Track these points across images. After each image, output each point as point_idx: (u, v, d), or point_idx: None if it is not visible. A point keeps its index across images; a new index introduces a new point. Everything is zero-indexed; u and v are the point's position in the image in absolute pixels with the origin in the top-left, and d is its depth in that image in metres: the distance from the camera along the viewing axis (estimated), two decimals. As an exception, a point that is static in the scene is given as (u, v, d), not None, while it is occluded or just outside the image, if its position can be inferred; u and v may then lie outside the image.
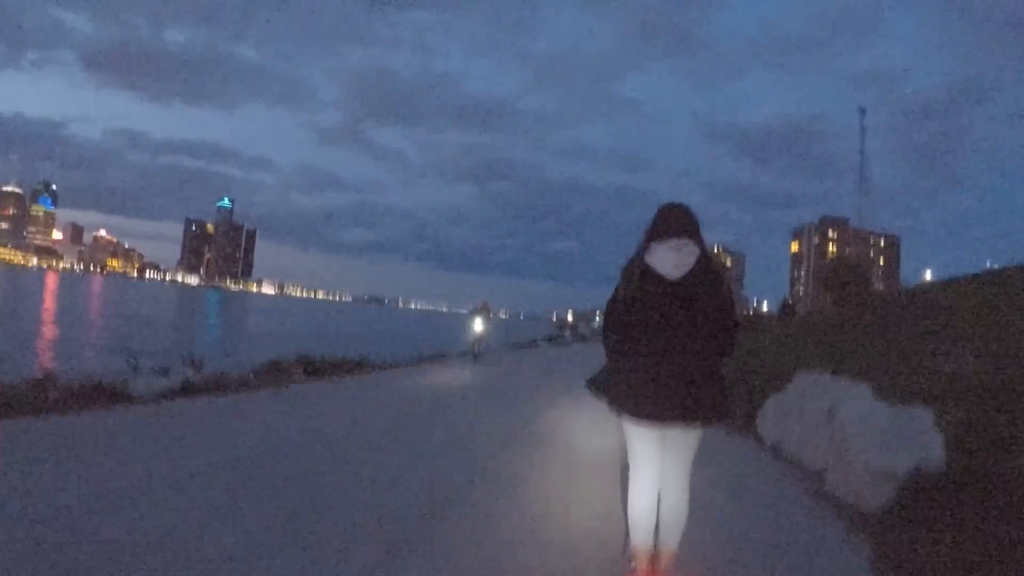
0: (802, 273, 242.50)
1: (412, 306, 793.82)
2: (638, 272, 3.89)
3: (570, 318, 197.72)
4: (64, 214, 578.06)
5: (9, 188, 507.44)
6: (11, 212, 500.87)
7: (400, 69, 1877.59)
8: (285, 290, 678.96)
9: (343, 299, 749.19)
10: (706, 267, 3.85)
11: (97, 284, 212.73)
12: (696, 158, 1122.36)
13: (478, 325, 24.97)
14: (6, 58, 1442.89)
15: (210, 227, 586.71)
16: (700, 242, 3.96)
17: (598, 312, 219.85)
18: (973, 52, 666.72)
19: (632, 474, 4.05)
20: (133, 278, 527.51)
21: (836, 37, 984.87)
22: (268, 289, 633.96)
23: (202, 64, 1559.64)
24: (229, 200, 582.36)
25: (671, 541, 3.94)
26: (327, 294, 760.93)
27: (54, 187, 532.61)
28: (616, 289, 4.00)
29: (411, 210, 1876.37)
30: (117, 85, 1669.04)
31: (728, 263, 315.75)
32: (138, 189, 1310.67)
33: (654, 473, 3.97)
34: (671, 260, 3.84)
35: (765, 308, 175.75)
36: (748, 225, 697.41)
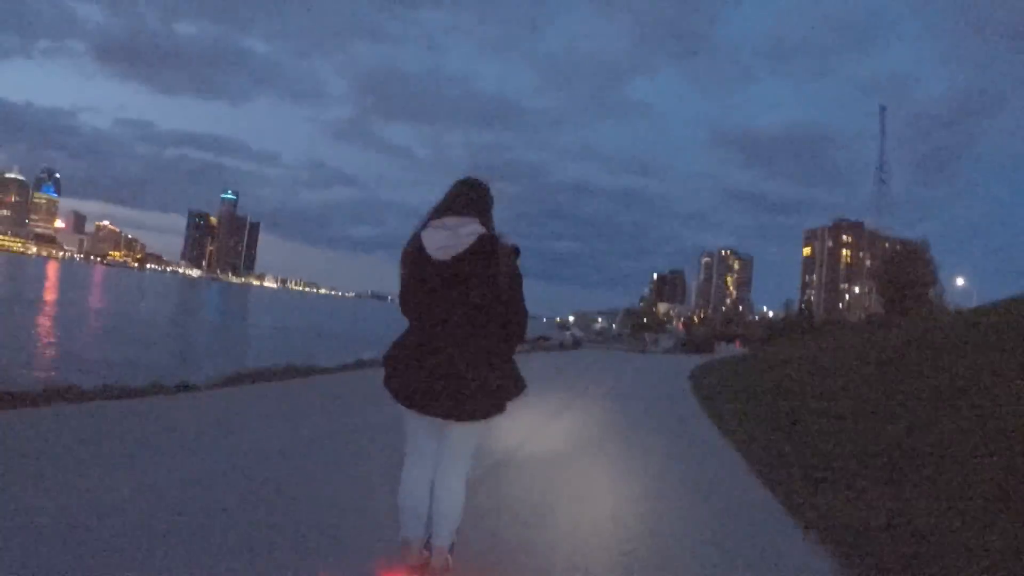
0: (814, 277, 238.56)
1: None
2: (412, 253, 3.65)
3: (571, 319, 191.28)
4: (69, 203, 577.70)
5: (12, 175, 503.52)
6: (13, 199, 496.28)
7: (409, 66, 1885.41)
8: (287, 285, 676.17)
9: (346, 295, 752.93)
10: (485, 250, 3.54)
11: (95, 275, 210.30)
12: (704, 163, 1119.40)
13: None
14: (18, 47, 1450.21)
15: (213, 219, 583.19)
16: (487, 222, 3.72)
17: (599, 316, 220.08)
18: (982, 61, 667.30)
19: (404, 459, 3.81)
20: (134, 268, 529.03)
21: (843, 45, 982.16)
22: (270, 283, 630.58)
23: (212, 57, 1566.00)
24: (233, 193, 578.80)
25: (441, 536, 3.69)
26: (330, 289, 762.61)
27: (58, 175, 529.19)
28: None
29: (417, 207, 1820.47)
30: (127, 76, 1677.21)
31: (736, 267, 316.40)
32: (145, 180, 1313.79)
33: (423, 461, 3.75)
34: (439, 240, 3.58)
35: (771, 314, 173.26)
36: (756, 231, 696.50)
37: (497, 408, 3.65)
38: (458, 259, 3.54)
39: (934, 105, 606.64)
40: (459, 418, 3.56)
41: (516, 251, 3.66)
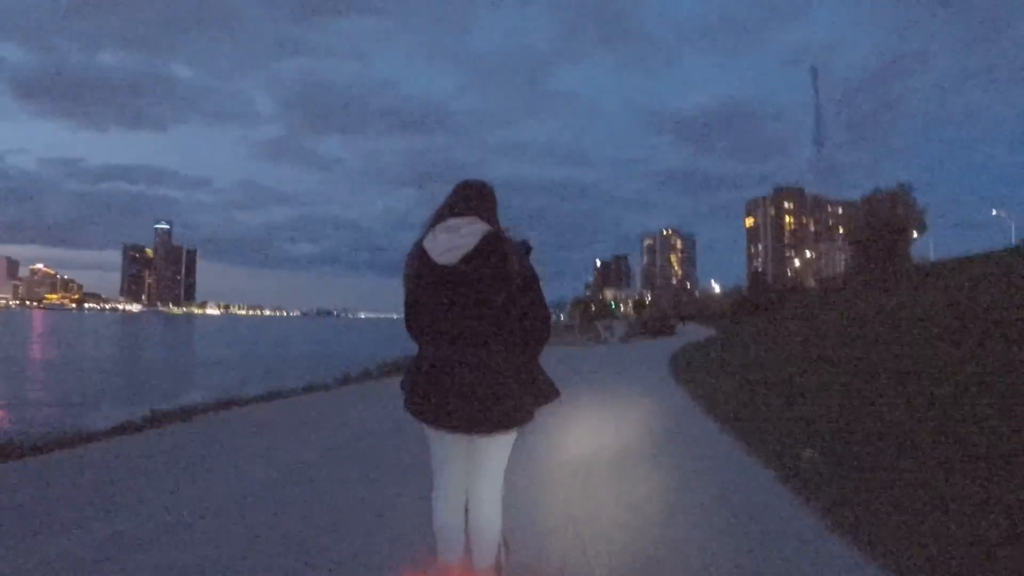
0: (760, 247, 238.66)
1: (361, 316, 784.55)
2: (415, 259, 3.53)
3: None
4: (1, 250, 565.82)
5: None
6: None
7: (336, 78, 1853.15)
8: (230, 310, 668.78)
9: (292, 314, 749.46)
10: (492, 248, 3.38)
11: (32, 319, 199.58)
12: (636, 147, 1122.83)
13: None
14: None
15: (149, 251, 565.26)
16: (490, 221, 3.56)
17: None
18: (903, 23, 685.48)
19: (433, 480, 3.67)
20: (72, 310, 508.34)
21: (766, 18, 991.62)
22: (213, 311, 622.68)
23: (136, 86, 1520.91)
24: (167, 222, 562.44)
25: (482, 557, 3.54)
26: (274, 311, 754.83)
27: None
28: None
29: (355, 220, 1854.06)
30: (51, 113, 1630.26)
31: (679, 246, 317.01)
32: (77, 218, 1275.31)
33: (453, 481, 3.60)
34: (442, 243, 3.44)
35: (717, 289, 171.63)
36: (696, 210, 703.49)
37: (525, 416, 3.47)
38: (465, 261, 3.37)
39: (860, 69, 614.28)
40: (486, 431, 3.41)
41: (528, 247, 3.50)
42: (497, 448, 3.52)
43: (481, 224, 3.44)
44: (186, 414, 11.04)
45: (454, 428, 3.39)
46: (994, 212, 78.19)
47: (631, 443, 8.52)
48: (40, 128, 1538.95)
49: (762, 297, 63.06)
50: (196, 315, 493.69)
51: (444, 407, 3.36)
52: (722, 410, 10.82)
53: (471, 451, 3.52)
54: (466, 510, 3.58)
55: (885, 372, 11.06)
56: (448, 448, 3.54)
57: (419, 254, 3.48)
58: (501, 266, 3.34)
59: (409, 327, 3.65)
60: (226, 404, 12.43)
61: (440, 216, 3.55)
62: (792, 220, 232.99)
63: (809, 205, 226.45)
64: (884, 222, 34.35)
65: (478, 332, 3.37)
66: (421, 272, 3.46)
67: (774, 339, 21.99)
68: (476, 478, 3.54)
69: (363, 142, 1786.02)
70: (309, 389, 15.72)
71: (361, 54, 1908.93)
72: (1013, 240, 53.13)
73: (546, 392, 3.57)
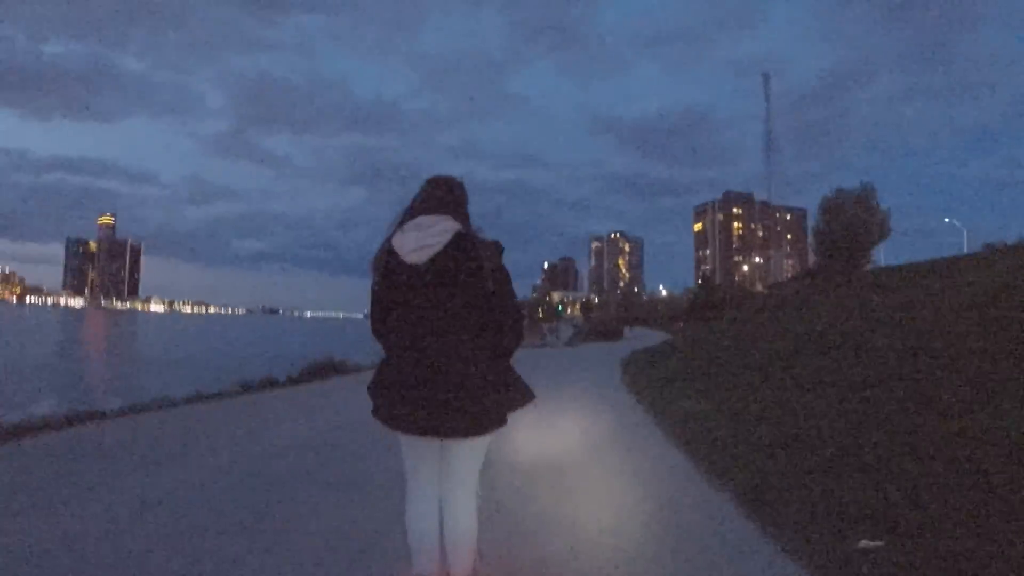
0: (708, 253, 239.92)
1: (308, 315, 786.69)
2: (383, 258, 3.39)
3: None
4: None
5: None
6: None
7: (286, 74, 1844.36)
8: (175, 306, 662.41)
9: (238, 312, 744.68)
10: (463, 247, 3.28)
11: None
12: (586, 152, 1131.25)
13: None
14: None
15: (93, 245, 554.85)
16: (462, 219, 3.43)
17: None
18: (851, 39, 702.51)
19: (406, 488, 3.57)
20: (12, 304, 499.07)
21: (718, 29, 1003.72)
22: (157, 307, 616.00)
23: (83, 77, 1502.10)
24: (111, 215, 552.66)
25: (458, 565, 3.41)
26: (220, 308, 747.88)
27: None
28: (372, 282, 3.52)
29: (303, 217, 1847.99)
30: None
31: (627, 249, 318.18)
32: (20, 210, 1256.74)
33: (427, 489, 3.50)
34: (412, 241, 3.31)
35: (663, 292, 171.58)
36: (644, 215, 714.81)
37: (498, 420, 3.35)
38: (435, 260, 3.26)
39: (809, 82, 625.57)
40: (459, 435, 3.30)
41: (500, 248, 3.38)
42: (470, 453, 3.39)
43: (452, 222, 3.33)
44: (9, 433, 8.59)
45: (425, 432, 3.28)
46: (947, 220, 78.46)
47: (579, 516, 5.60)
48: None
49: (714, 297, 62.12)
50: (140, 311, 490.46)
51: (415, 411, 3.23)
52: (719, 463, 6.98)
53: (443, 457, 3.41)
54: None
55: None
56: (420, 454, 3.43)
57: (387, 253, 3.36)
58: (473, 266, 3.25)
59: (375, 329, 3.52)
60: (78, 418, 10.02)
61: (409, 213, 3.43)
62: (741, 226, 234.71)
63: (758, 212, 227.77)
64: (845, 225, 33.02)
65: (450, 333, 3.26)
66: (389, 271, 3.34)
67: (745, 351, 20.50)
68: (449, 485, 3.43)
69: (312, 139, 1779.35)
70: (197, 399, 13.11)
71: (312, 51, 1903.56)
72: (965, 248, 53.28)
73: (520, 396, 3.45)
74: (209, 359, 44.09)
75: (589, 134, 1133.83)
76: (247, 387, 14.96)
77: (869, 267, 36.90)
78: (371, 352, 26.34)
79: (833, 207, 34.47)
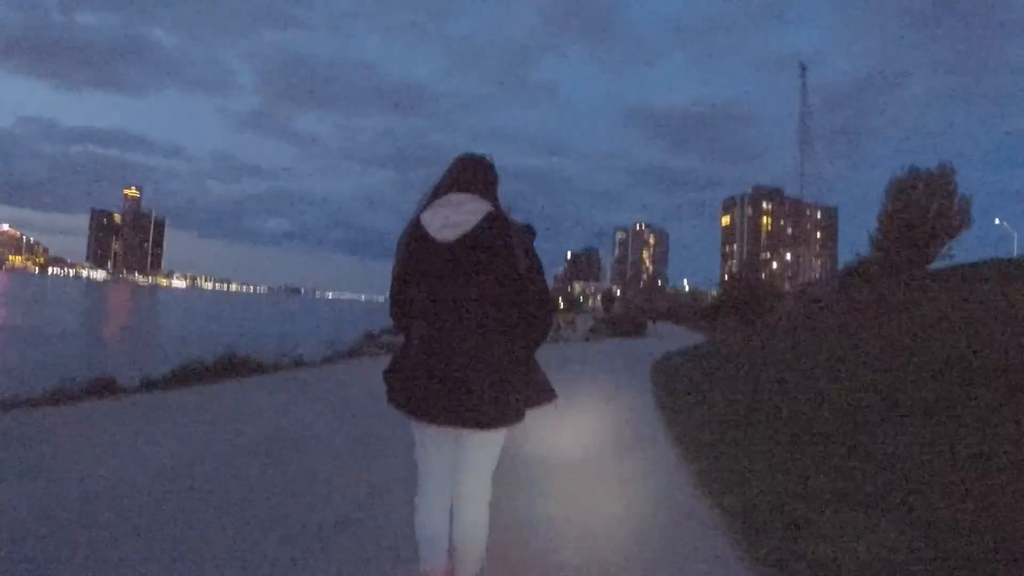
0: (734, 248, 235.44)
1: (329, 296, 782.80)
2: (409, 236, 3.24)
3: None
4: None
5: None
6: None
7: (317, 53, 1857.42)
8: (197, 283, 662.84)
9: (259, 290, 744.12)
10: (494, 228, 3.11)
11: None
12: (614, 142, 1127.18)
13: None
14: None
15: (117, 217, 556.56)
16: (492, 199, 3.25)
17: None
18: (885, 41, 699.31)
19: (418, 481, 3.40)
20: (35, 274, 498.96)
21: (751, 22, 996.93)
22: (179, 282, 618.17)
23: (115, 49, 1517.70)
24: (137, 188, 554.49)
25: (466, 565, 3.25)
26: (241, 285, 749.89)
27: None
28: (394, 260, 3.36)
29: (329, 197, 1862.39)
30: (28, 72, 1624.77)
31: (652, 241, 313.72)
32: (48, 180, 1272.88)
33: (440, 482, 3.33)
34: (441, 218, 3.15)
35: (687, 288, 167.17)
36: (670, 208, 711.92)
37: (518, 415, 3.19)
38: (465, 239, 3.11)
39: (841, 81, 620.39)
40: (477, 425, 3.11)
41: (532, 232, 3.29)
42: (488, 445, 3.22)
43: (483, 202, 3.16)
44: None
45: (441, 421, 3.08)
46: (996, 222, 73.21)
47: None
48: (16, 86, 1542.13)
49: (758, 293, 56.85)
50: (161, 286, 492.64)
51: (432, 397, 3.05)
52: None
53: (460, 448, 3.23)
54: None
55: None
56: (435, 445, 3.26)
57: (415, 227, 3.20)
58: (504, 247, 3.09)
59: (394, 310, 3.41)
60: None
61: (439, 191, 3.26)
62: (770, 222, 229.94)
63: (788, 208, 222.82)
64: (919, 211, 27.52)
65: (475, 317, 3.09)
66: (415, 248, 3.18)
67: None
68: (463, 480, 3.25)
69: (340, 119, 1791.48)
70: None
71: (344, 31, 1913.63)
72: (1015, 251, 49.28)
73: (543, 392, 3.33)
74: (200, 336, 39.62)
75: (617, 124, 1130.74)
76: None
77: (931, 264, 30.93)
78: (321, 342, 22.00)
79: (904, 189, 28.63)
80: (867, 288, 27.97)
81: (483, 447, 3.21)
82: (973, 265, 29.09)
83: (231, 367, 13.20)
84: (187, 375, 12.04)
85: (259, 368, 14.18)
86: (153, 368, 13.44)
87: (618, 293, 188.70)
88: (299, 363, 16.40)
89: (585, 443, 8.01)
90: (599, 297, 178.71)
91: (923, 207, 28.14)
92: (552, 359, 6.97)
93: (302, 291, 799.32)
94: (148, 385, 11.15)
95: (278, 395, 11.29)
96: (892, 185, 29.51)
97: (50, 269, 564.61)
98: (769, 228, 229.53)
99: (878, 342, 13.72)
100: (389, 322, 3.60)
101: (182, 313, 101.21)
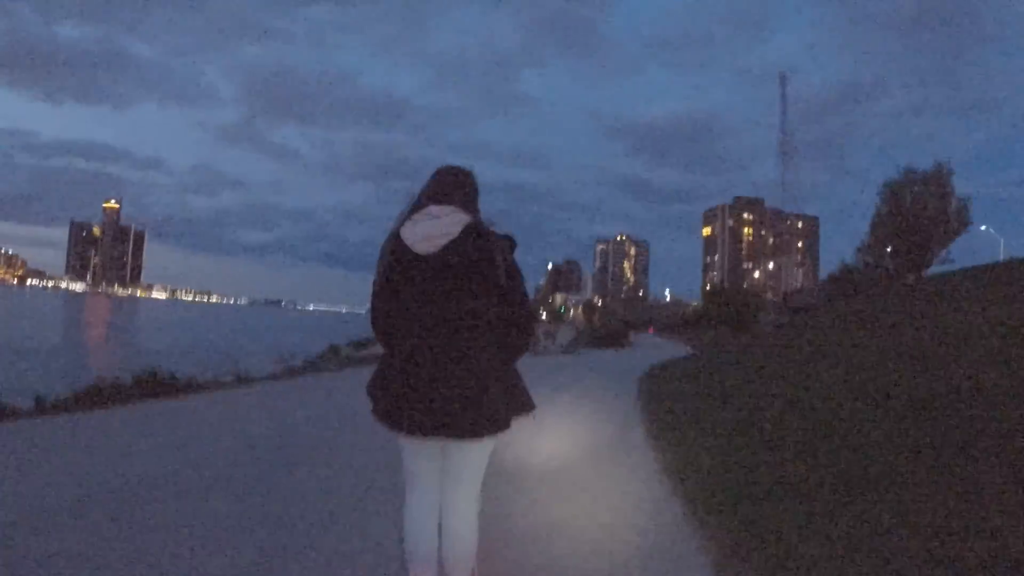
0: (716, 259, 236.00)
1: (310, 308, 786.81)
2: (389, 248, 3.24)
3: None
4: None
5: None
6: None
7: (298, 66, 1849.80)
8: (177, 295, 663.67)
9: (239, 302, 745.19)
10: (474, 239, 3.15)
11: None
12: (595, 154, 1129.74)
13: None
14: None
15: (96, 230, 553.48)
16: (473, 211, 3.31)
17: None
18: (863, 53, 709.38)
19: (406, 493, 3.39)
20: (12, 286, 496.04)
21: (730, 35, 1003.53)
22: (160, 294, 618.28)
23: (96, 61, 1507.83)
24: (116, 201, 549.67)
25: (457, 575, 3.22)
26: (222, 297, 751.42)
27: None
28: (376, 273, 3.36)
29: (309, 210, 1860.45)
30: (7, 84, 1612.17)
31: (633, 252, 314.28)
32: (27, 192, 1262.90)
33: (427, 494, 3.32)
34: (421, 230, 3.18)
35: (668, 298, 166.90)
36: (651, 220, 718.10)
37: (504, 423, 3.19)
38: (445, 251, 3.13)
39: (820, 93, 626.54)
40: (464, 435, 3.12)
41: (513, 242, 3.27)
42: (475, 456, 3.22)
43: (463, 214, 3.20)
44: None
45: (429, 433, 3.10)
46: (982, 228, 72.50)
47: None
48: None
49: (740, 302, 56.21)
50: (141, 298, 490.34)
51: (419, 410, 3.06)
52: None
53: (446, 460, 3.24)
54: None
55: None
56: (422, 457, 3.27)
57: (395, 241, 3.21)
58: (485, 259, 3.12)
59: (375, 322, 3.34)
60: None
61: (419, 203, 3.29)
62: (751, 231, 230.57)
63: (769, 218, 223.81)
64: (915, 214, 26.03)
65: (457, 328, 3.11)
66: (396, 260, 3.19)
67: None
68: (451, 490, 3.25)
69: (321, 133, 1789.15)
70: None
71: (325, 44, 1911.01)
72: (1001, 256, 48.73)
73: (523, 402, 3.32)
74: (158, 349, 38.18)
75: (599, 136, 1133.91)
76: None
77: (928, 269, 29.57)
78: (277, 356, 21.66)
79: (899, 191, 27.03)
80: (854, 298, 26.80)
81: (472, 456, 3.20)
82: (967, 270, 28.21)
83: (153, 386, 11.55)
84: (96, 395, 10.41)
85: (188, 387, 12.45)
86: (79, 384, 11.83)
87: (599, 303, 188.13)
88: (243, 379, 14.84)
89: (569, 460, 6.24)
90: (580, 307, 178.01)
91: (918, 210, 26.62)
92: (529, 373, 5.35)
93: (282, 303, 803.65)
94: (43, 408, 9.54)
95: (168, 427, 9.04)
96: (885, 188, 28.12)
97: (28, 281, 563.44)
98: (750, 238, 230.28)
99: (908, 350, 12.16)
100: (363, 333, 3.55)
101: (143, 324, 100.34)
